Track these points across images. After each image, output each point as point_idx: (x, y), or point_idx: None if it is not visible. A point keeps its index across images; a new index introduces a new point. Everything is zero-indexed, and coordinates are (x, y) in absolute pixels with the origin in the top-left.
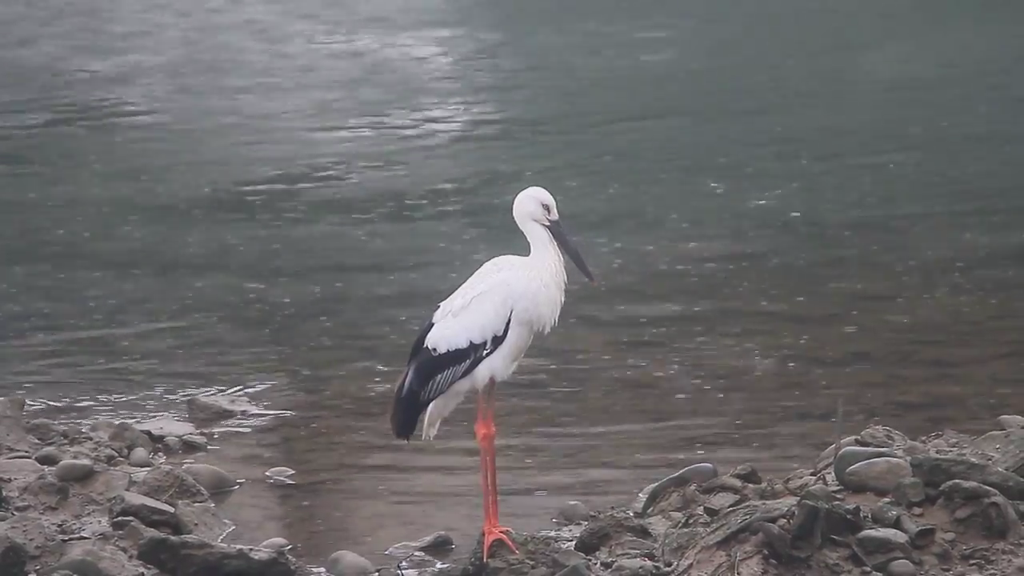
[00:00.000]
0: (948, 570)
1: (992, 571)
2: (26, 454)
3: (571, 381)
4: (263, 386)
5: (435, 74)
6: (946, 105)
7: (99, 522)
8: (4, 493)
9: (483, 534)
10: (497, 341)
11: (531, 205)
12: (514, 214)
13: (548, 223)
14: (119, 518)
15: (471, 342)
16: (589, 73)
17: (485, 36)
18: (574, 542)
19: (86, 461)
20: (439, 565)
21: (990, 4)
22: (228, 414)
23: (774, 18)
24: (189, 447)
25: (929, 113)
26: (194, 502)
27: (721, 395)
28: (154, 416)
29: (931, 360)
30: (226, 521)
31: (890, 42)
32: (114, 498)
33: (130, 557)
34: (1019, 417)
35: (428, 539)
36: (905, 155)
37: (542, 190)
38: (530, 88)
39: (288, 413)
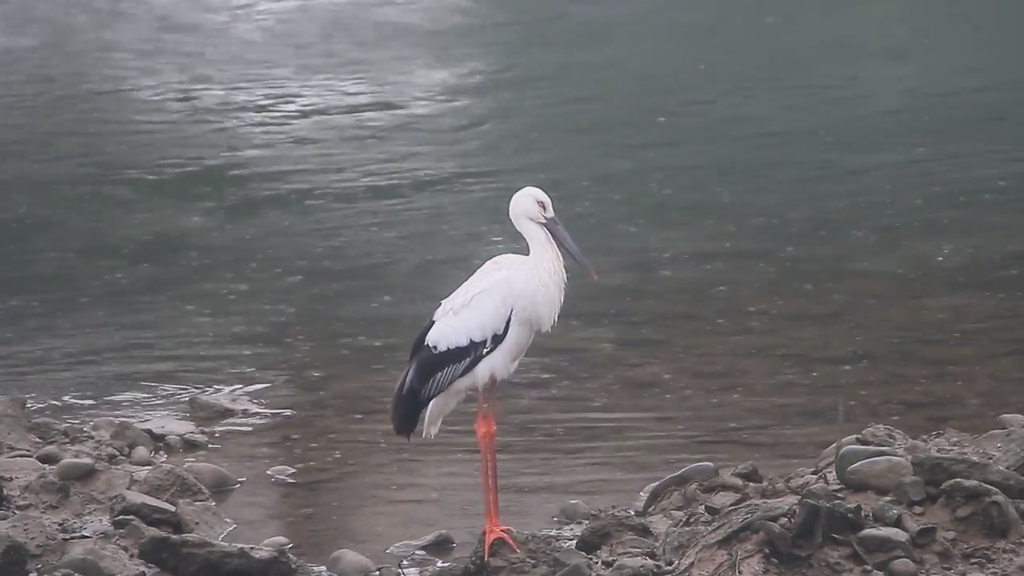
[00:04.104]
0: (949, 569)
1: (993, 570)
2: (27, 453)
3: (572, 380)
4: (264, 385)
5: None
6: (949, 107)
7: (100, 521)
8: (5, 492)
9: (484, 533)
10: (497, 339)
11: (527, 203)
12: (510, 215)
13: (544, 220)
14: (120, 517)
15: (471, 340)
16: (587, 72)
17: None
18: (575, 541)
19: (87, 460)
20: (440, 564)
21: None
22: (229, 413)
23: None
24: (190, 446)
25: (930, 115)
26: (195, 501)
27: (722, 394)
28: (155, 415)
29: (932, 359)
30: (227, 520)
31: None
32: (115, 497)
33: (131, 556)
34: (1020, 416)
35: (429, 538)
36: (906, 155)
37: (537, 189)
38: (526, 88)
39: (289, 412)
